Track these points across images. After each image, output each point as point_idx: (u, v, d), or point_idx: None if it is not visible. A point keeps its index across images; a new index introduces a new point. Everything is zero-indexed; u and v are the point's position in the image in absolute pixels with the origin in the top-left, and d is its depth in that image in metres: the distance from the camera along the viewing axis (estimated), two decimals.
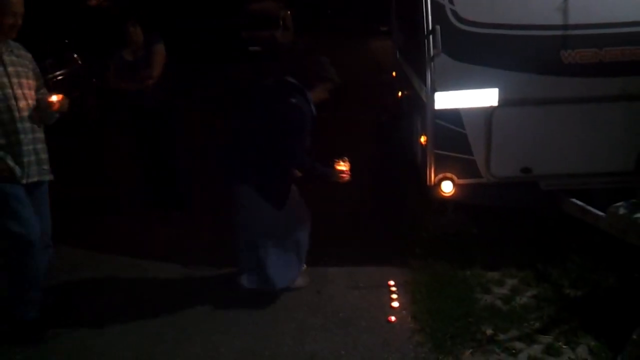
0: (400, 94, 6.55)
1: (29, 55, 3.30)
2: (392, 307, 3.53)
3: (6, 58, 3.08)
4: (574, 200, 3.78)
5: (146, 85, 4.82)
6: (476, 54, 3.74)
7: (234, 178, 3.55)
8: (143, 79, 4.81)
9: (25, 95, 3.14)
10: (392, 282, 3.78)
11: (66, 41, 8.84)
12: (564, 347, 3.04)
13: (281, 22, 19.62)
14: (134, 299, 3.77)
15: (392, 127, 6.92)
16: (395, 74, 7.15)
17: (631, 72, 3.69)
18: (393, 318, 3.40)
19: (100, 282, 4.04)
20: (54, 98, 3.23)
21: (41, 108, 3.22)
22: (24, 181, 3.16)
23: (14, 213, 3.12)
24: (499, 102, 3.78)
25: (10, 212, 3.11)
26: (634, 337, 1.92)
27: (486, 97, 3.78)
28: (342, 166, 3.54)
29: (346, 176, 3.54)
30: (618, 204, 3.29)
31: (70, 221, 5.17)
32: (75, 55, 8.63)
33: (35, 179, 3.22)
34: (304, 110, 3.43)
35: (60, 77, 8.03)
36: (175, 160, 5.25)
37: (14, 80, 3.09)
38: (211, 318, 3.48)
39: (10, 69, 3.08)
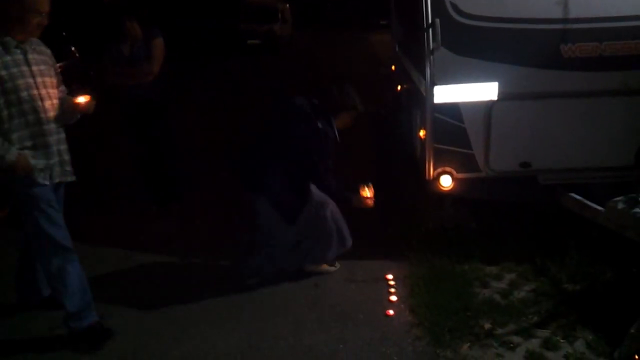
0: (399, 87, 6.53)
1: (49, 51, 3.17)
2: (390, 300, 3.52)
3: (30, 57, 2.97)
4: (572, 194, 3.78)
5: (144, 80, 4.79)
6: (476, 47, 3.73)
7: (250, 187, 3.70)
8: (143, 73, 4.79)
9: (49, 94, 3.04)
10: (390, 276, 3.78)
11: (64, 34, 8.80)
12: (562, 341, 3.04)
13: (280, 16, 19.60)
14: (130, 294, 3.76)
15: (391, 121, 6.91)
16: (395, 67, 7.14)
17: (631, 67, 3.68)
18: (391, 312, 3.39)
19: (96, 277, 4.00)
20: (81, 100, 3.12)
21: (65, 108, 3.11)
22: (47, 182, 3.04)
23: (49, 217, 3.03)
24: (498, 96, 3.77)
25: (45, 217, 3.01)
26: (632, 331, 1.93)
27: (486, 91, 3.77)
28: (367, 192, 3.70)
29: (370, 202, 3.71)
30: (617, 198, 3.29)
31: (66, 216, 5.17)
32: (73, 49, 8.60)
33: (57, 180, 3.11)
34: (328, 134, 3.60)
35: (57, 71, 7.99)
36: (172, 154, 5.23)
37: (39, 80, 2.98)
38: (208, 312, 3.48)
39: (34, 68, 2.98)
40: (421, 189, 4.33)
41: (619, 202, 3.27)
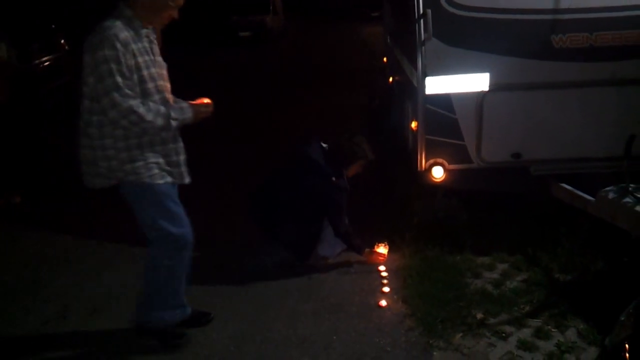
0: (391, 79, 6.52)
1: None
2: (383, 292, 3.54)
3: (154, 48, 2.76)
4: (563, 185, 3.79)
5: None
6: (467, 38, 3.73)
7: (264, 230, 3.85)
8: None
9: (167, 88, 2.81)
10: (382, 267, 3.79)
11: (53, 26, 8.71)
12: (554, 330, 3.07)
13: (271, 7, 19.50)
14: (125, 287, 3.75)
15: (383, 113, 6.90)
16: (387, 59, 7.12)
17: (622, 57, 3.69)
18: (384, 303, 3.41)
19: (92, 270, 4.02)
20: (204, 108, 2.88)
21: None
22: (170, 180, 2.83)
23: (175, 214, 2.85)
24: (489, 86, 3.77)
25: (171, 214, 2.83)
26: (622, 318, 1.95)
27: (477, 82, 3.77)
28: (382, 249, 3.86)
29: (382, 259, 3.83)
30: (607, 188, 3.31)
31: (57, 209, 5.15)
32: (62, 41, 8.51)
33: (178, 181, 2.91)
34: (341, 187, 3.79)
35: (47, 63, 7.95)
36: None
37: (160, 71, 2.76)
38: (203, 304, 3.47)
39: (157, 58, 2.76)
40: (413, 180, 4.33)
41: (610, 192, 3.29)
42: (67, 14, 10.18)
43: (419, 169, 4.04)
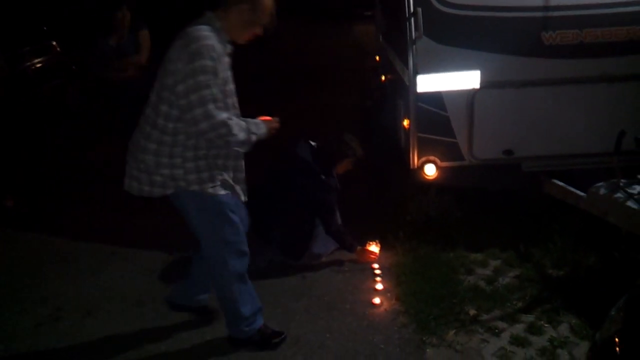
0: (383, 78, 6.53)
1: None
2: (376, 289, 3.54)
3: (230, 61, 2.70)
4: (555, 181, 3.81)
5: (132, 75, 4.75)
6: (458, 36, 3.74)
7: (258, 234, 3.76)
8: (133, 65, 4.74)
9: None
10: (376, 265, 3.79)
11: (44, 28, 8.66)
12: (546, 325, 3.08)
13: None
14: (120, 288, 3.75)
15: (376, 112, 6.90)
16: (379, 58, 7.13)
17: (611, 53, 3.70)
18: (377, 300, 3.41)
19: (86, 272, 4.00)
20: (274, 124, 2.86)
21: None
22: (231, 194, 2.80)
23: (236, 225, 2.80)
24: (481, 84, 3.78)
25: (232, 224, 2.78)
26: (613, 312, 1.95)
27: (468, 80, 3.78)
28: (373, 247, 3.86)
29: (374, 258, 3.83)
30: (598, 184, 3.33)
31: (52, 210, 5.14)
32: (54, 43, 8.48)
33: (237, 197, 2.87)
34: (331, 185, 3.83)
35: (39, 66, 7.91)
36: None
37: (234, 87, 2.73)
38: None
39: (232, 73, 2.72)
40: (406, 178, 4.34)
41: (601, 188, 3.31)
42: (67, 14, 10.11)
43: (411, 166, 4.05)
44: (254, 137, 2.65)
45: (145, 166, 2.64)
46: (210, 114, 2.46)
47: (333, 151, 3.91)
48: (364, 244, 3.88)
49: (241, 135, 2.57)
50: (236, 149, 2.69)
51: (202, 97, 2.45)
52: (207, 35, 2.49)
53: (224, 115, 2.50)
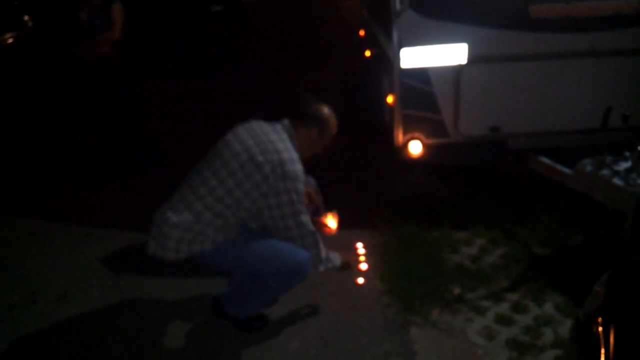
0: (368, 53, 6.41)
1: None
2: (359, 269, 3.48)
3: None
4: (541, 158, 3.76)
5: (104, 51, 4.59)
6: (443, 9, 3.63)
7: None
8: (104, 40, 4.58)
9: None
10: (359, 245, 3.72)
11: (15, 3, 8.39)
12: (531, 304, 3.06)
13: None
14: (91, 270, 3.65)
15: (360, 89, 6.80)
16: (364, 32, 7.00)
17: (598, 28, 3.63)
18: (361, 281, 3.36)
19: (58, 253, 3.90)
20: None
21: None
22: None
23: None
24: (467, 58, 3.69)
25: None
26: (596, 288, 1.93)
27: (454, 54, 3.69)
28: (331, 220, 3.29)
29: (332, 231, 3.31)
30: (585, 160, 3.30)
31: (25, 190, 5.00)
32: (26, 18, 8.22)
33: None
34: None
35: (10, 41, 7.65)
36: (133, 124, 5.06)
37: None
38: (173, 285, 3.39)
39: None
40: (390, 156, 4.27)
41: (587, 165, 3.27)
42: None
43: (396, 144, 3.97)
44: (321, 268, 2.80)
45: (173, 237, 2.57)
46: (302, 223, 2.64)
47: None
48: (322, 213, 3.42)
49: (323, 253, 2.76)
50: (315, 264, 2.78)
51: (294, 210, 2.59)
52: (290, 149, 2.61)
53: (311, 226, 2.69)
